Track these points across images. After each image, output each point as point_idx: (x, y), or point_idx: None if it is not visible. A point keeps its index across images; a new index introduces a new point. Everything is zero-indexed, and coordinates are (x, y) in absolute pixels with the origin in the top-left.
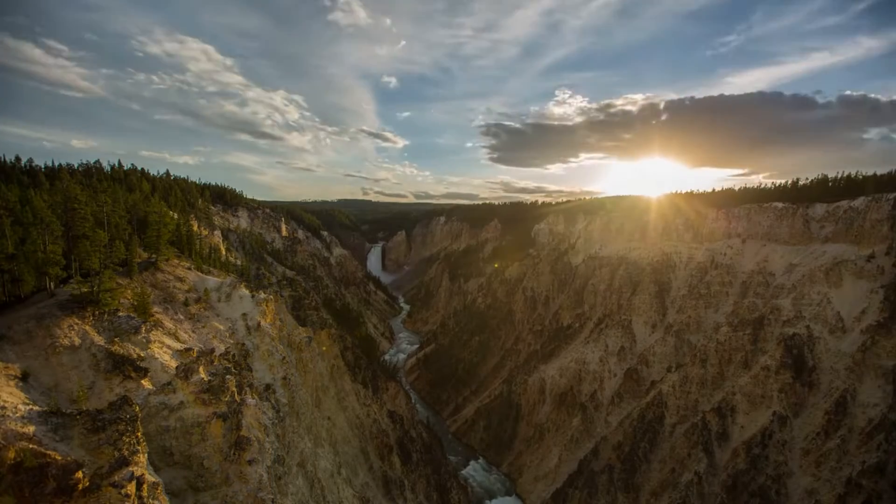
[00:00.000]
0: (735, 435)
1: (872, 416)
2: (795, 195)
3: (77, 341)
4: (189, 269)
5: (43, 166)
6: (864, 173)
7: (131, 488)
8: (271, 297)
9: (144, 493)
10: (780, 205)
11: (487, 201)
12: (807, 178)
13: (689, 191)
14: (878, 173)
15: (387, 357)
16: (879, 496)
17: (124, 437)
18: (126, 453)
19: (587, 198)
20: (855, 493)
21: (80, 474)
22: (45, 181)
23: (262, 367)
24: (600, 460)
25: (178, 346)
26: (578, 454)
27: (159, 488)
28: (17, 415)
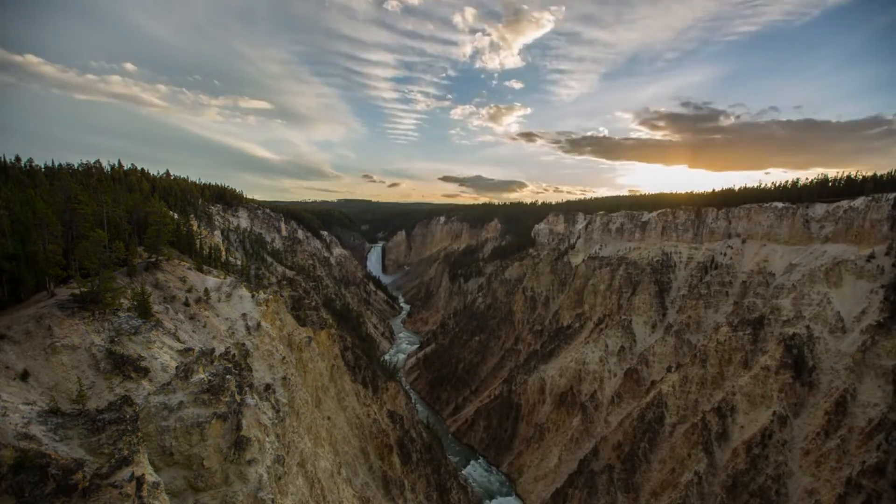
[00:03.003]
0: (735, 435)
1: (872, 416)
2: (795, 195)
3: (77, 341)
4: (189, 269)
5: (43, 166)
6: (863, 173)
7: (131, 488)
8: (271, 297)
9: (144, 493)
10: (780, 205)
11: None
12: (807, 178)
13: (688, 191)
14: (878, 173)
15: (387, 357)
16: (879, 496)
17: (124, 437)
18: (126, 453)
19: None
20: (855, 493)
21: (80, 474)
22: (45, 181)
23: (262, 367)
24: (600, 460)
25: (178, 346)
26: (578, 454)
27: (159, 488)
28: (17, 415)
